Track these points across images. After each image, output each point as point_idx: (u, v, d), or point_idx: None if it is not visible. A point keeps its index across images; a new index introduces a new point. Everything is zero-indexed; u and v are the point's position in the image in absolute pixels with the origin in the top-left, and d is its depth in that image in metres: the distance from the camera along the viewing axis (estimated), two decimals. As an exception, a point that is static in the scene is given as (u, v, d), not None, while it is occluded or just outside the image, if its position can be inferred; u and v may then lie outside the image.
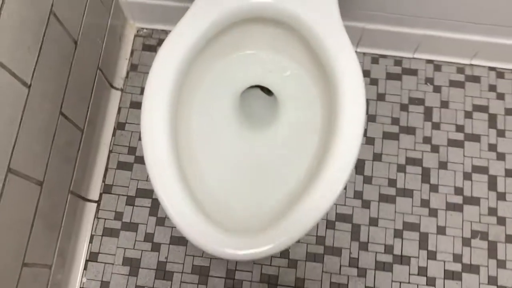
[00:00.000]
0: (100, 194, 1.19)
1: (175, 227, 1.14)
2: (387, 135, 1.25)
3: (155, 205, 1.19)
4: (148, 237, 1.17)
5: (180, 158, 0.79)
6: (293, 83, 0.95)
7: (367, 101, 1.27)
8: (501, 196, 1.21)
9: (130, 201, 1.19)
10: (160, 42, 1.29)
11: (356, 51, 1.11)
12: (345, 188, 1.20)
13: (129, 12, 1.26)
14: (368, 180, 1.21)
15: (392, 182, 1.21)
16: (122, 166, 1.21)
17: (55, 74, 0.91)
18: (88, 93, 1.10)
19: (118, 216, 1.18)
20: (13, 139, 0.79)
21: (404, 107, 1.27)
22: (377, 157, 1.23)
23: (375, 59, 1.30)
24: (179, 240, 1.17)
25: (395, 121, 1.26)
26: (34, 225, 0.89)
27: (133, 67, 1.29)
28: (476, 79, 1.29)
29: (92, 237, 1.17)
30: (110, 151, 1.22)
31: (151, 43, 1.30)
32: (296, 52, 0.92)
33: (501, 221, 1.19)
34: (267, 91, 0.97)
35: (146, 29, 1.31)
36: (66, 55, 0.95)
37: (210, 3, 0.83)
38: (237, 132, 0.92)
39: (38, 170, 0.89)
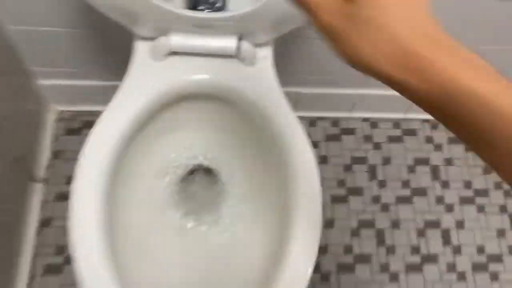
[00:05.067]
0: (25, 309, 1.03)
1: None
2: (335, 199, 1.20)
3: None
4: None
5: (118, 260, 0.68)
6: (236, 162, 0.88)
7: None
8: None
9: (62, 312, 1.03)
10: (85, 124, 1.18)
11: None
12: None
13: (49, 94, 1.15)
14: (323, 251, 1.15)
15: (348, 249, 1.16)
16: (50, 269, 1.06)
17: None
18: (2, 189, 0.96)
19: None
20: None
21: (347, 168, 1.24)
22: (329, 223, 1.18)
23: (312, 122, 1.28)
24: None
25: (341, 183, 1.22)
26: None
27: (55, 154, 1.16)
28: (412, 132, 1.30)
29: None
30: (34, 254, 1.07)
31: (74, 126, 1.19)
32: (237, 127, 0.86)
33: (460, 274, 1.17)
34: (210, 173, 0.89)
35: (69, 111, 1.20)
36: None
37: (139, 85, 0.76)
38: (181, 223, 0.83)
39: None
